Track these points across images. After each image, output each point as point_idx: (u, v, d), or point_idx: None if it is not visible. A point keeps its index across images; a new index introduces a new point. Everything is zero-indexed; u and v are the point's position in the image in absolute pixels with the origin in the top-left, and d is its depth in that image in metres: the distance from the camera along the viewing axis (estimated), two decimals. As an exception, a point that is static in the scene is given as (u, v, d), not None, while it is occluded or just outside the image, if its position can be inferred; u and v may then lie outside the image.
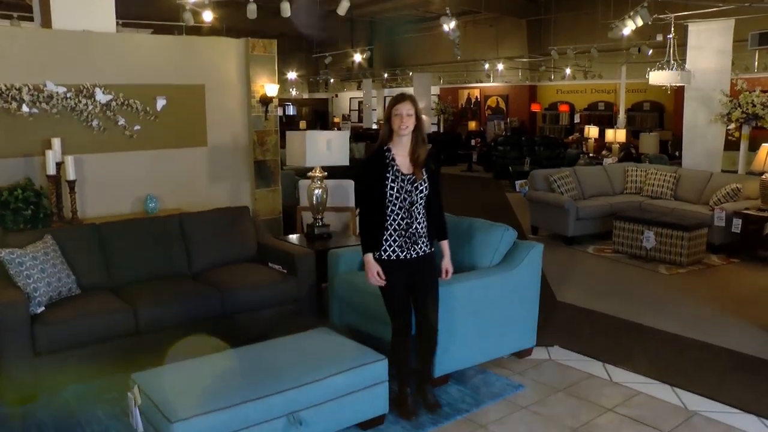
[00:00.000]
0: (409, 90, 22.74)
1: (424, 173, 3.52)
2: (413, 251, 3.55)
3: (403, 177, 3.46)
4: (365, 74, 22.63)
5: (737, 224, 7.35)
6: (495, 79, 21.26)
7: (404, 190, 3.46)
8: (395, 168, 3.47)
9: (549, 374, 4.37)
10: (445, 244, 3.77)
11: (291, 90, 26.43)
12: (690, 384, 4.16)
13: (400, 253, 3.53)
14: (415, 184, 3.48)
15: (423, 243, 3.57)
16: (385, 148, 3.51)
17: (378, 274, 3.53)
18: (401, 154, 3.51)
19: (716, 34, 8.70)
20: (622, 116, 14.66)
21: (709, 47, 8.79)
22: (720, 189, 7.97)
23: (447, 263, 3.78)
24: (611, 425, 3.67)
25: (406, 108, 3.45)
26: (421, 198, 3.51)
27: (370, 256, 3.55)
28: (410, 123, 3.45)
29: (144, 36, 6.09)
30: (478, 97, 22.38)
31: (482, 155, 17.85)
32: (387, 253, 3.54)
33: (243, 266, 5.07)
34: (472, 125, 20.99)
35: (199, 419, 2.95)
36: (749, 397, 4.00)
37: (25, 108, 5.25)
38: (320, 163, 5.56)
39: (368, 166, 3.57)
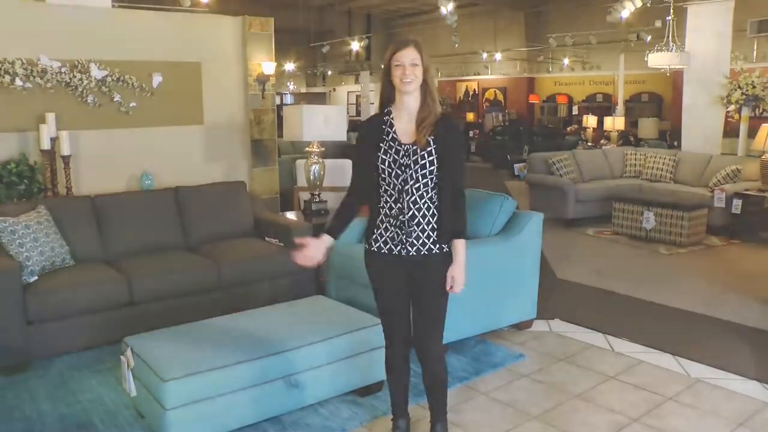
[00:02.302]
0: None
1: (431, 143, 2.65)
2: (410, 246, 2.71)
3: (399, 147, 2.66)
4: (363, 66, 22.55)
5: (737, 205, 7.30)
6: (493, 71, 21.21)
7: (398, 164, 2.65)
8: (391, 135, 2.68)
9: (550, 345, 4.31)
10: (458, 245, 2.74)
11: (289, 84, 26.35)
12: (692, 353, 4.11)
13: (393, 247, 2.73)
14: (415, 157, 2.64)
15: (424, 237, 2.71)
16: (386, 110, 2.75)
17: (309, 254, 2.77)
18: (404, 118, 2.71)
19: (716, 15, 8.64)
20: (620, 105, 14.60)
21: (708, 29, 8.73)
22: (719, 171, 7.93)
23: (455, 270, 2.73)
24: (614, 392, 3.61)
25: (409, 56, 2.63)
26: (423, 175, 2.65)
27: (325, 238, 2.81)
28: (415, 75, 2.64)
29: (140, 12, 6.01)
30: (476, 89, 22.33)
31: (480, 146, 17.82)
32: (377, 244, 2.77)
33: (239, 240, 5.01)
34: (470, 117, 20.95)
35: (191, 378, 2.90)
36: (751, 364, 3.95)
37: (18, 82, 5.16)
38: (317, 137, 5.50)
39: (362, 133, 2.83)
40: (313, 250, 2.78)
